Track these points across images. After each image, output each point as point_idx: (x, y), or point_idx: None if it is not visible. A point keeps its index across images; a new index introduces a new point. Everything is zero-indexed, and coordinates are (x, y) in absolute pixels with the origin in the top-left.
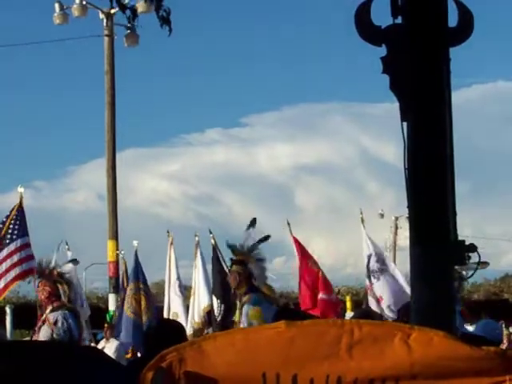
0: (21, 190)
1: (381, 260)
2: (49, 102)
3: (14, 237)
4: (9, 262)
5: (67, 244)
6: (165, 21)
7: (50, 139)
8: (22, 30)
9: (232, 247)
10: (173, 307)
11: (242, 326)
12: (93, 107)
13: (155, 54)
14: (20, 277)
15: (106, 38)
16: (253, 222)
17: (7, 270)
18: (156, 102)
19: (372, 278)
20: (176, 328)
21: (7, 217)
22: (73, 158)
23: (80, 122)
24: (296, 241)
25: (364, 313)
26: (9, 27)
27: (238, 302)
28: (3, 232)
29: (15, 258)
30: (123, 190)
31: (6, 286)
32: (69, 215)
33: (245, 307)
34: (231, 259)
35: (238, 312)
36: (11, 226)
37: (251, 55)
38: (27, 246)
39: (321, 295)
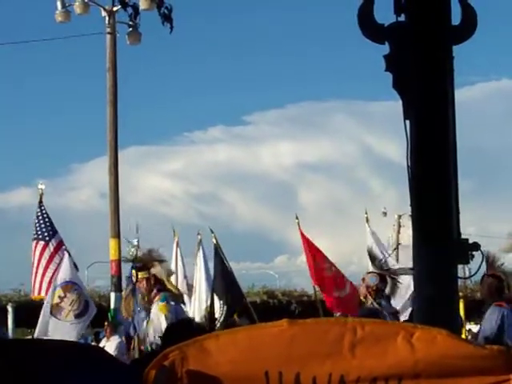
0: (41, 186)
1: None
2: (50, 100)
3: (51, 233)
4: (57, 259)
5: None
6: (166, 18)
7: (52, 137)
8: (24, 27)
9: (132, 258)
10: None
11: (152, 323)
12: (95, 105)
13: (157, 52)
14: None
15: (108, 36)
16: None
17: (58, 268)
18: (158, 100)
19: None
20: (193, 326)
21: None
22: (75, 156)
23: (82, 119)
24: (304, 237)
25: (369, 311)
26: (11, 24)
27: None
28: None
29: (60, 255)
30: (125, 188)
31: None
32: (71, 213)
33: (154, 306)
34: (134, 267)
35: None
36: (43, 223)
37: (254, 53)
38: (62, 243)
39: (335, 294)
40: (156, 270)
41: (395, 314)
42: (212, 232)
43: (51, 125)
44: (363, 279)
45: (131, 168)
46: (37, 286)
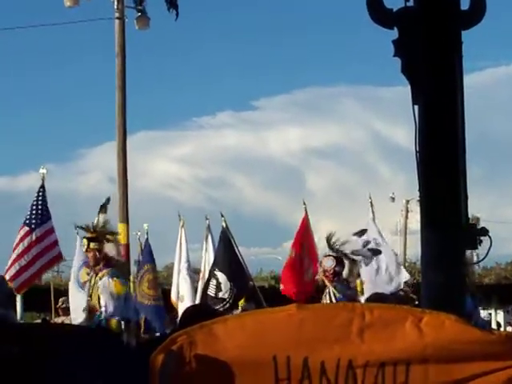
0: (43, 171)
1: (377, 249)
2: (60, 84)
3: (39, 221)
4: (35, 250)
5: (76, 228)
6: (172, 5)
7: (62, 122)
8: (33, 12)
9: (84, 227)
10: (180, 290)
11: (102, 297)
12: (104, 90)
13: (166, 37)
14: (46, 267)
15: (117, 21)
16: (106, 203)
17: (33, 260)
18: (167, 85)
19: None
20: (209, 312)
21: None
22: (84, 140)
23: (92, 104)
24: (304, 221)
25: (377, 297)
26: (19, 9)
27: (93, 279)
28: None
29: (42, 245)
30: (134, 173)
31: (33, 276)
32: (80, 198)
33: (104, 279)
34: (85, 237)
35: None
36: (34, 209)
37: (261, 38)
38: (52, 231)
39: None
40: (107, 247)
41: (354, 299)
42: (222, 216)
43: (60, 110)
44: (320, 263)
45: (140, 153)
46: (10, 270)
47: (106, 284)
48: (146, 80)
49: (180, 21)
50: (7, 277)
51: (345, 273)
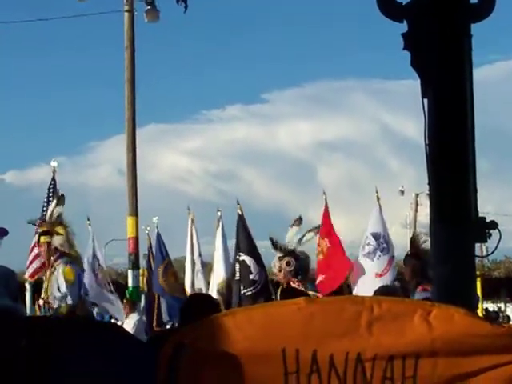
0: (54, 164)
1: (388, 244)
2: (69, 77)
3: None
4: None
5: (88, 219)
6: None
7: (72, 115)
8: (43, 5)
9: (34, 221)
10: (197, 284)
11: (62, 286)
12: (114, 83)
13: (176, 30)
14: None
15: (126, 14)
16: (62, 199)
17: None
18: (176, 78)
19: (376, 253)
20: (209, 301)
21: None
22: (94, 133)
23: (102, 97)
24: (326, 212)
25: (386, 289)
26: (30, 3)
27: (48, 272)
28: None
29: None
30: (144, 166)
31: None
32: (90, 191)
33: (60, 267)
34: (37, 232)
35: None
36: (47, 204)
37: (272, 31)
38: None
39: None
40: (57, 239)
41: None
42: (238, 203)
43: (70, 103)
44: (280, 268)
45: (150, 146)
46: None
47: (61, 271)
48: (156, 73)
49: (189, 13)
50: (27, 275)
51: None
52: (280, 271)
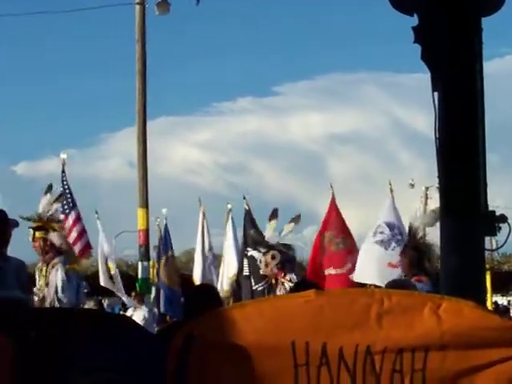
0: (63, 156)
1: (402, 236)
2: (80, 70)
3: (71, 205)
4: (73, 234)
5: (97, 213)
6: None
7: (82, 107)
8: None
9: (30, 217)
10: (209, 276)
11: (59, 286)
12: (125, 75)
13: (186, 22)
14: (82, 255)
15: (137, 6)
16: (49, 188)
17: (74, 243)
18: (188, 70)
19: (391, 244)
20: (211, 292)
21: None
22: (105, 125)
23: (112, 89)
24: (332, 206)
25: (398, 283)
26: None
27: (43, 268)
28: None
29: (74, 232)
30: (155, 158)
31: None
32: (100, 183)
33: (59, 267)
34: (31, 227)
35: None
36: (63, 194)
37: (283, 23)
38: (79, 218)
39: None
40: (54, 235)
41: None
42: (244, 198)
43: (81, 94)
44: (266, 264)
45: (160, 138)
46: None
47: (60, 273)
48: (166, 65)
49: (200, 5)
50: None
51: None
52: (267, 266)
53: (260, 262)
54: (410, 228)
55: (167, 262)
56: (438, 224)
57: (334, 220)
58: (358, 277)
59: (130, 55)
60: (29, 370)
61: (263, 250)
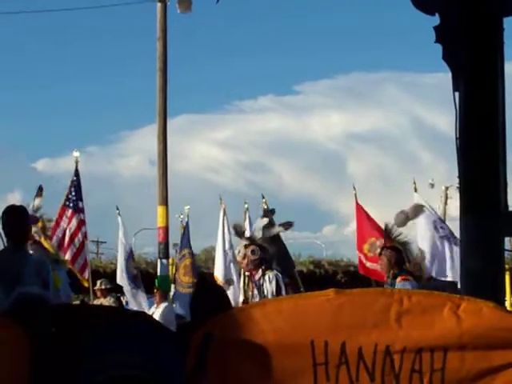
0: (76, 154)
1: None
2: (102, 67)
3: (74, 200)
4: (71, 229)
5: (118, 209)
6: None
7: (104, 104)
8: None
9: None
10: (229, 274)
11: None
12: (146, 73)
13: (208, 21)
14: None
15: (159, 4)
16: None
17: (72, 239)
18: (209, 68)
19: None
20: (215, 290)
21: (71, 182)
22: (126, 123)
23: (133, 87)
24: (359, 208)
25: (433, 284)
26: None
27: None
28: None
29: (73, 223)
30: (175, 155)
31: (75, 255)
32: (121, 180)
33: None
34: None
35: None
36: (72, 190)
37: (305, 22)
38: (81, 210)
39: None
40: (33, 229)
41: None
42: (263, 197)
43: (102, 92)
44: (244, 256)
45: (182, 136)
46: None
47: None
48: (188, 63)
49: (221, 4)
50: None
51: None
52: (244, 258)
53: (239, 252)
54: (386, 228)
55: (180, 261)
56: (409, 224)
57: (367, 225)
58: (438, 274)
59: (151, 53)
60: (47, 366)
61: (246, 243)
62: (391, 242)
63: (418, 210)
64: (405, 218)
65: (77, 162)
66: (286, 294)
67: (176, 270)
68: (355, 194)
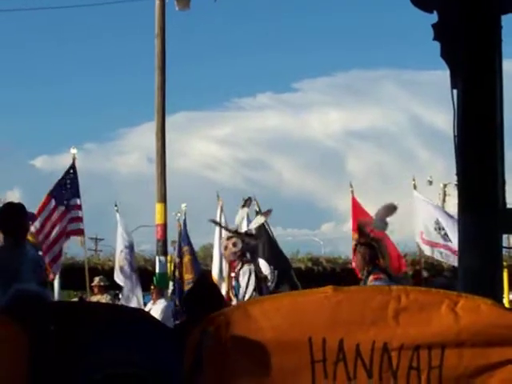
0: (73, 151)
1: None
2: (100, 64)
3: (66, 197)
4: (62, 224)
5: (116, 205)
6: None
7: (102, 101)
8: None
9: None
10: (225, 272)
11: None
12: (144, 70)
13: (206, 18)
14: (66, 234)
15: (157, 2)
16: None
17: (60, 233)
18: (207, 65)
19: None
20: (210, 287)
21: (64, 175)
22: (125, 120)
23: (132, 84)
24: (355, 204)
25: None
26: None
27: None
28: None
29: (66, 218)
30: (174, 153)
31: (53, 243)
32: (119, 177)
33: None
34: None
35: None
36: (66, 187)
37: (302, 19)
38: (78, 207)
39: None
40: None
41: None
42: (255, 200)
43: (101, 89)
44: (226, 247)
45: (181, 133)
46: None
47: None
48: (186, 60)
49: (220, 1)
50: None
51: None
52: (225, 250)
53: (221, 243)
54: (359, 225)
55: (182, 258)
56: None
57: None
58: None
59: (150, 50)
60: (45, 364)
61: (229, 234)
62: (366, 239)
63: (391, 209)
64: (381, 216)
65: (74, 159)
66: (259, 290)
67: (175, 268)
68: (352, 191)
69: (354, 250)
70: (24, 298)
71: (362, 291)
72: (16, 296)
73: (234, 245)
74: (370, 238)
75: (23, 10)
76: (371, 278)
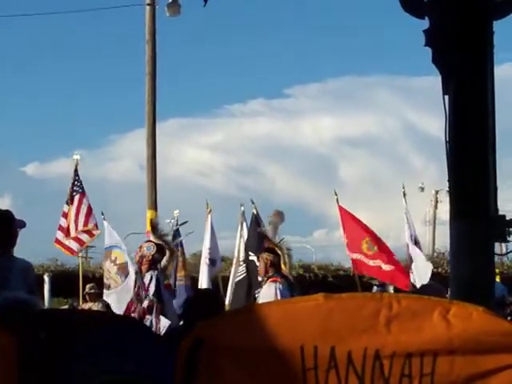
0: (76, 157)
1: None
2: (90, 70)
3: (75, 193)
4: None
5: (103, 214)
6: None
7: (92, 108)
8: None
9: None
10: (200, 278)
11: None
12: (135, 77)
13: (197, 24)
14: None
15: (148, 7)
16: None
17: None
18: (198, 72)
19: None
20: (213, 297)
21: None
22: (115, 126)
23: (123, 90)
24: (342, 210)
25: (429, 288)
26: None
27: None
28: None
29: (81, 214)
30: (165, 160)
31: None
32: (110, 184)
33: None
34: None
35: None
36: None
37: (294, 26)
38: (64, 215)
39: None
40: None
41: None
42: (253, 203)
43: (91, 96)
44: (140, 247)
45: (171, 140)
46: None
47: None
48: (177, 67)
49: (210, 7)
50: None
51: (163, 262)
52: (139, 250)
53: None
54: (263, 232)
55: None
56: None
57: (356, 226)
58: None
59: (141, 57)
60: (35, 372)
61: (154, 240)
62: (270, 245)
63: (280, 216)
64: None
65: (76, 165)
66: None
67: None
68: (337, 199)
69: (258, 256)
70: (12, 305)
71: (354, 298)
72: (4, 304)
73: (148, 248)
74: (275, 246)
75: (11, 16)
76: (269, 280)
